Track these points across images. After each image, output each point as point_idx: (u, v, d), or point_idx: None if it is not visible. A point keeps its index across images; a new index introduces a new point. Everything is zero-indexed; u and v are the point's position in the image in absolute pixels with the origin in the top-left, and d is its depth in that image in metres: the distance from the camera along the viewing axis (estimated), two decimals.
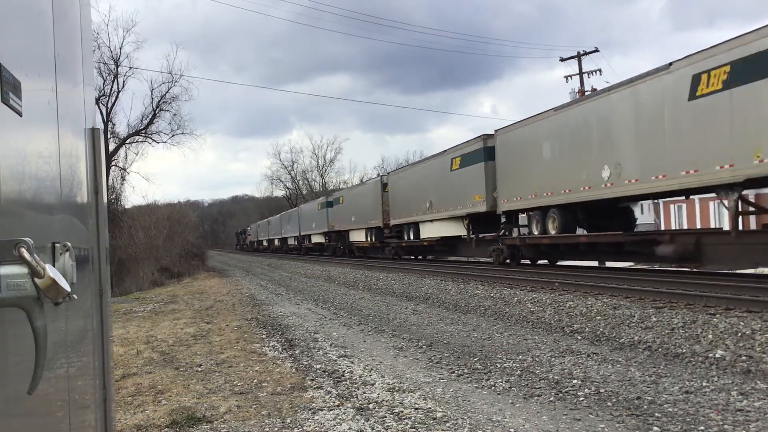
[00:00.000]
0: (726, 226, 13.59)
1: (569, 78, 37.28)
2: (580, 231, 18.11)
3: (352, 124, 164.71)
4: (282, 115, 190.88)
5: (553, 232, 18.23)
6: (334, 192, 48.01)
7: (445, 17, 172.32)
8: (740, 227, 12.76)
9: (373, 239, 34.13)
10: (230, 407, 5.68)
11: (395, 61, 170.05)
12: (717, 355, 6.91)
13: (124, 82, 37.55)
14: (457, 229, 24.52)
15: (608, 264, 19.59)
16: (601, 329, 8.95)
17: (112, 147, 37.28)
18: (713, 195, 13.91)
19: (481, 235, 23.00)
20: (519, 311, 11.23)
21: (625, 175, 14.99)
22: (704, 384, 5.88)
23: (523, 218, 21.03)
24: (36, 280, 1.08)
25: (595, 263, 20.06)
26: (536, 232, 19.23)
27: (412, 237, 28.85)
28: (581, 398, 5.61)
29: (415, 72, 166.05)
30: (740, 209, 12.30)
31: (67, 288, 1.13)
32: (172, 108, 39.02)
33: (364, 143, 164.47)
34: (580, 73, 36.17)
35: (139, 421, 5.38)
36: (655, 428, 4.69)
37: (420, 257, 30.22)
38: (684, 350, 7.31)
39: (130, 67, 37.34)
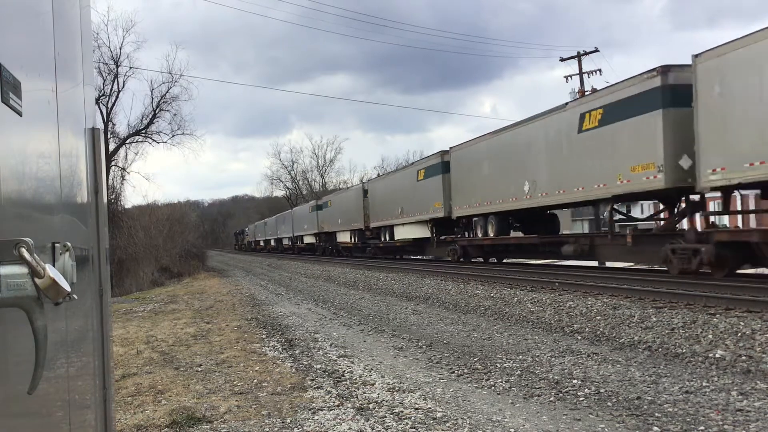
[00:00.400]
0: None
1: (569, 78, 37.30)
2: (514, 234, 22.46)
3: (352, 123, 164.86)
4: (282, 114, 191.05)
5: (492, 235, 22.17)
6: (324, 196, 51.86)
7: (446, 16, 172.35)
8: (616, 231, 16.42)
9: (356, 240, 37.76)
10: (230, 407, 5.68)
11: (396, 60, 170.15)
12: (717, 355, 6.91)
13: (124, 82, 37.55)
14: (424, 232, 28.40)
15: (608, 264, 19.89)
16: (601, 329, 8.96)
17: (112, 147, 37.26)
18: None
19: (441, 237, 27.07)
20: (519, 311, 11.23)
21: (539, 189, 18.79)
22: (704, 384, 5.88)
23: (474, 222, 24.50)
24: (36, 280, 1.08)
25: (595, 263, 20.13)
26: (480, 235, 23.11)
27: (387, 238, 32.00)
28: (581, 398, 5.61)
29: (416, 72, 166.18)
30: (613, 217, 16.09)
31: (67, 288, 1.13)
32: (173, 108, 39.00)
33: (365, 143, 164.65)
34: (580, 73, 36.19)
35: (139, 421, 5.38)
36: (655, 428, 4.69)
37: (397, 257, 33.03)
38: (684, 350, 7.31)
39: (130, 67, 37.33)
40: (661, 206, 16.21)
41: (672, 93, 13.61)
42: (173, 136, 39.16)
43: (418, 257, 31.63)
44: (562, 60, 36.96)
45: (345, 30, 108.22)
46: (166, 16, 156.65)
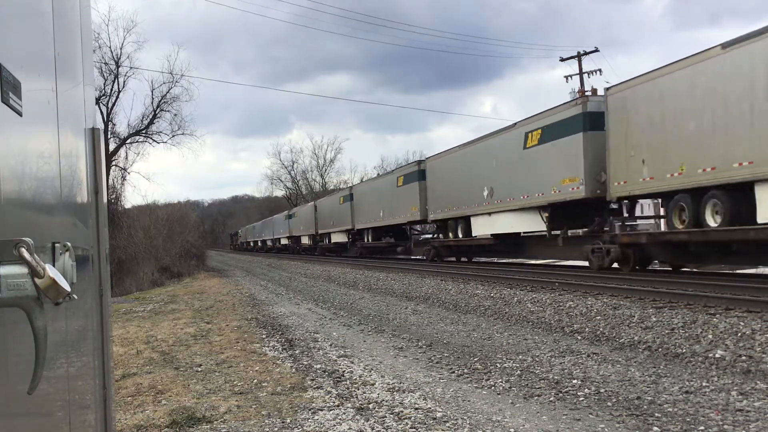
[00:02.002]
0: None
1: (569, 78, 37.31)
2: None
3: (352, 123, 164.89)
4: (282, 114, 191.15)
5: (460, 236, 25.20)
6: (295, 207, 64.21)
7: (446, 16, 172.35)
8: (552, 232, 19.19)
9: (311, 242, 50.01)
10: (230, 407, 5.68)
11: (396, 60, 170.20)
12: (717, 355, 6.91)
13: (124, 82, 37.49)
14: (404, 233, 33.78)
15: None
16: (601, 329, 8.95)
17: (112, 147, 37.23)
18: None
19: (421, 238, 33.04)
20: (519, 311, 11.23)
21: (495, 196, 21.83)
22: (704, 384, 5.88)
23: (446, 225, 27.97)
24: (36, 280, 1.08)
25: None
26: (451, 236, 26.20)
27: (371, 239, 36.75)
28: (581, 398, 5.61)
29: (416, 71, 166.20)
30: (549, 221, 18.94)
31: (67, 288, 1.13)
32: (173, 108, 38.95)
33: (365, 143, 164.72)
34: (580, 73, 36.20)
35: (139, 421, 5.38)
36: (655, 428, 4.69)
37: (379, 256, 37.29)
38: (684, 350, 7.31)
39: (131, 67, 37.28)
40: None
41: (591, 118, 16.60)
42: (173, 136, 39.17)
43: (391, 257, 35.18)
44: (562, 60, 36.99)
45: (345, 30, 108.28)
46: (166, 15, 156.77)
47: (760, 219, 11.91)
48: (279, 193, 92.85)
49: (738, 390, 5.60)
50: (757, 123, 11.90)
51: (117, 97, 37.17)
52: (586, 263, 17.60)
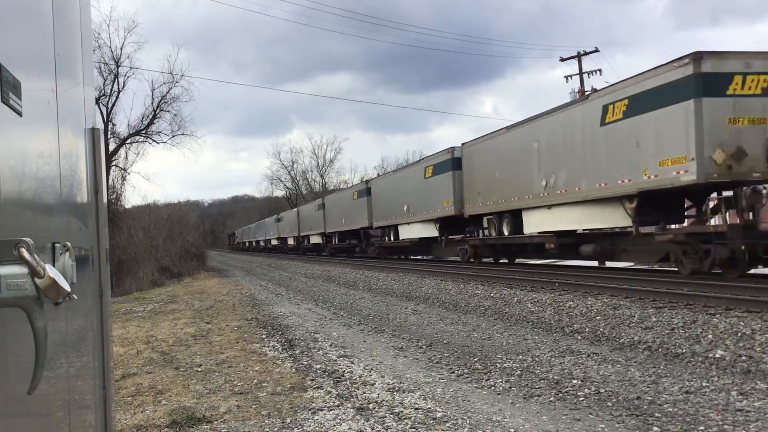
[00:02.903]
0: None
1: (569, 78, 37.32)
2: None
3: (352, 123, 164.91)
4: (282, 114, 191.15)
5: (506, 233, 23.51)
6: (281, 212, 68.90)
7: (447, 16, 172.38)
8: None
9: (295, 243, 56.59)
10: (230, 407, 5.68)
11: (396, 60, 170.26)
12: (717, 355, 6.91)
13: (124, 82, 37.53)
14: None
15: (608, 264, 19.79)
16: (601, 329, 8.95)
17: (112, 147, 37.25)
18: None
19: (372, 239, 37.06)
20: (519, 311, 11.23)
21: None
22: (704, 384, 5.88)
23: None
24: (36, 280, 1.08)
25: (595, 263, 20.08)
26: (494, 234, 25.60)
27: (337, 241, 44.04)
28: (581, 398, 5.61)
29: (416, 71, 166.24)
30: (441, 230, 26.25)
31: (67, 288, 1.13)
32: (173, 108, 39.00)
33: (365, 143, 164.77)
34: (580, 73, 36.20)
35: (139, 421, 5.38)
36: (655, 428, 4.69)
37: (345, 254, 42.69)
38: (684, 350, 7.31)
39: (131, 68, 37.31)
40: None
41: (457, 162, 24.42)
42: (173, 136, 39.22)
43: (345, 256, 40.49)
44: (562, 60, 37.00)
45: (345, 29, 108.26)
46: (166, 14, 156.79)
47: (525, 231, 20.21)
48: (279, 193, 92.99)
49: (738, 390, 5.60)
50: (520, 176, 19.86)
51: (117, 97, 37.23)
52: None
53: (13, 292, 1.06)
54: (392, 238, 32.96)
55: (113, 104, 37.24)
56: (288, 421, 5.20)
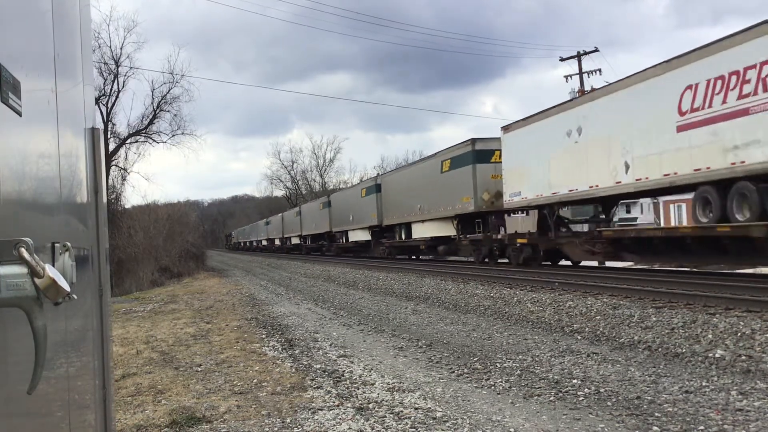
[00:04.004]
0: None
1: (569, 78, 37.30)
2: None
3: (352, 123, 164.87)
4: (282, 114, 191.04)
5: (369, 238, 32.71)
6: (270, 216, 75.05)
7: (447, 15, 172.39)
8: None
9: (280, 244, 64.01)
10: (230, 407, 5.68)
11: (396, 59, 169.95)
12: (717, 355, 6.91)
13: (124, 82, 37.52)
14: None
15: (608, 264, 19.88)
16: (600, 329, 8.96)
17: (112, 147, 37.24)
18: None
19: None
20: (519, 311, 11.23)
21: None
22: (704, 384, 5.88)
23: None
24: (36, 280, 1.08)
25: (595, 263, 20.11)
26: (398, 239, 33.27)
27: (310, 242, 48.50)
28: (581, 398, 5.61)
29: (416, 71, 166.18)
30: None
31: (67, 288, 1.13)
32: (173, 108, 39.00)
33: (365, 143, 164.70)
34: (580, 73, 36.18)
35: (139, 421, 5.38)
36: (655, 428, 4.69)
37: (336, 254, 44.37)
38: (684, 350, 7.31)
39: (131, 67, 37.30)
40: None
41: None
42: (173, 136, 39.22)
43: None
44: (562, 60, 36.95)
45: (345, 29, 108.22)
46: (166, 14, 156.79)
47: (413, 236, 28.52)
48: (279, 193, 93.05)
49: (738, 390, 5.60)
50: (418, 198, 27.18)
51: (117, 97, 37.22)
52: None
53: (12, 292, 1.06)
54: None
55: (113, 104, 37.27)
56: (288, 420, 5.20)
